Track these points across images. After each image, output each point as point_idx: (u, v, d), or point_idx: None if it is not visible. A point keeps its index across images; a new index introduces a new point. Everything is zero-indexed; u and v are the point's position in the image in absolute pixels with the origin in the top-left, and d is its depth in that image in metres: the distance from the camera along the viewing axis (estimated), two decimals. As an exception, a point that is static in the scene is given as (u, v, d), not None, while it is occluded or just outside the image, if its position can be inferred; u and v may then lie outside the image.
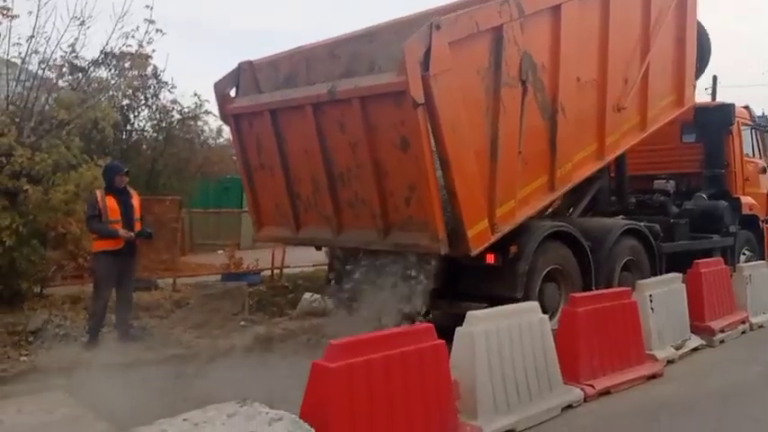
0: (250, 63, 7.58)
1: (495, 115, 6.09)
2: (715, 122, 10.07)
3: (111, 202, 7.15)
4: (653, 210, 9.47)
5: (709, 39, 9.76)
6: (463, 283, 6.56)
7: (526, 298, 6.27)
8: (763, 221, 10.95)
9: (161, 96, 13.43)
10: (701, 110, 10.05)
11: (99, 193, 7.26)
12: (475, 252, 5.86)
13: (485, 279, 6.46)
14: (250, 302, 9.28)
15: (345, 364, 3.66)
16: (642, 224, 8.08)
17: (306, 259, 11.80)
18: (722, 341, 7.37)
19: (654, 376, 5.95)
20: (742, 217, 10.28)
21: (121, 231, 7.06)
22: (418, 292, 6.20)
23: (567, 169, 6.93)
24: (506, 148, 6.16)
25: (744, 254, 10.34)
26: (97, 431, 4.84)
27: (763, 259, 10.29)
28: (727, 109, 10.18)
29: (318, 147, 6.42)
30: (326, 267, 8.42)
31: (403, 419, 3.91)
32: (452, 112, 5.64)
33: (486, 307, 6.05)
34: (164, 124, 13.57)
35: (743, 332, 7.95)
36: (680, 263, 8.15)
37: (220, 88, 7.41)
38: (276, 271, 11.59)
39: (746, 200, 10.46)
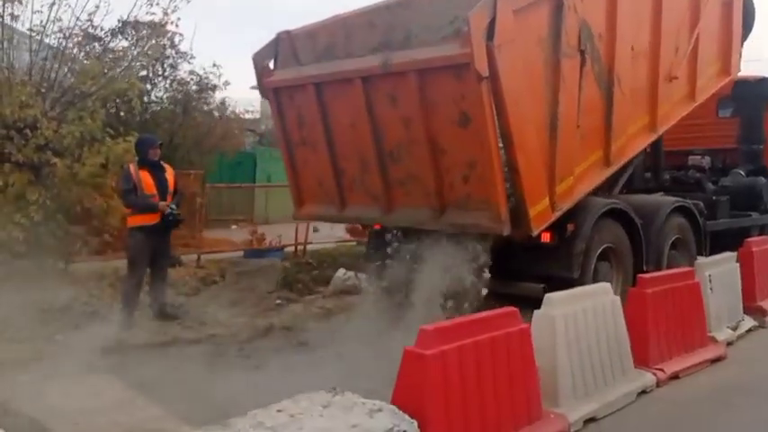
0: (288, 33, 7.16)
1: (555, 88, 5.83)
2: (753, 96, 9.81)
3: (146, 176, 6.89)
4: (688, 186, 9.25)
5: (752, 2, 9.43)
6: (516, 263, 6.34)
7: (582, 278, 6.09)
8: None
9: (179, 68, 13.05)
10: (740, 83, 9.73)
11: (132, 167, 6.99)
12: (536, 232, 5.65)
13: (539, 258, 6.21)
14: (277, 280, 9.09)
15: (440, 350, 3.48)
16: (689, 201, 7.88)
17: (322, 235, 11.62)
18: (773, 322, 7.23)
19: (718, 359, 5.80)
20: None
21: (161, 204, 6.81)
22: (473, 272, 5.97)
23: (622, 143, 6.69)
24: (565, 122, 5.91)
25: None
26: (152, 416, 4.62)
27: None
28: (767, 83, 9.94)
29: (367, 122, 6.12)
30: (364, 244, 8.17)
31: (493, 407, 3.74)
32: (515, 85, 5.38)
33: (542, 288, 5.87)
34: (180, 96, 13.17)
35: (790, 313, 7.80)
36: (719, 241, 7.96)
37: (259, 60, 7.02)
38: (299, 247, 11.36)
39: None
